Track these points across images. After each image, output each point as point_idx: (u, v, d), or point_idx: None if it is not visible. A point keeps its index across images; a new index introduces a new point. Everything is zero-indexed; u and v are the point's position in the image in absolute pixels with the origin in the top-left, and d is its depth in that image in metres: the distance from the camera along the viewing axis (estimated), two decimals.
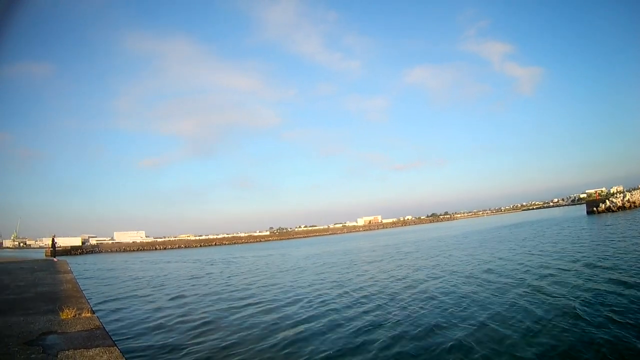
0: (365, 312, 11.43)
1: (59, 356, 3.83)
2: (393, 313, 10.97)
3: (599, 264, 15.52)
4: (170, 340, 9.73)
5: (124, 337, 10.04)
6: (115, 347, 4.15)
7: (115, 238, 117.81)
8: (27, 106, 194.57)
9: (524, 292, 11.97)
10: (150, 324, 11.73)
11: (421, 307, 11.33)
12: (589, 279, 12.78)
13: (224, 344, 9.21)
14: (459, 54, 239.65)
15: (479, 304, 11.10)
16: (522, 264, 17.76)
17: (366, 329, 9.69)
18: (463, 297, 12.16)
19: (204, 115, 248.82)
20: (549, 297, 10.98)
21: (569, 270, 14.79)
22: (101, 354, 3.91)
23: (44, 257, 30.76)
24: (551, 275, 14.25)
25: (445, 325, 9.39)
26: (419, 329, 9.23)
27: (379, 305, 12.17)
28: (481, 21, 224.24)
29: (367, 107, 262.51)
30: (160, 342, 9.56)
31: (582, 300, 10.27)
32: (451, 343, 8.08)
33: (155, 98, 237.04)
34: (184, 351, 8.80)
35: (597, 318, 8.72)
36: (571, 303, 10.08)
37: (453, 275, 16.60)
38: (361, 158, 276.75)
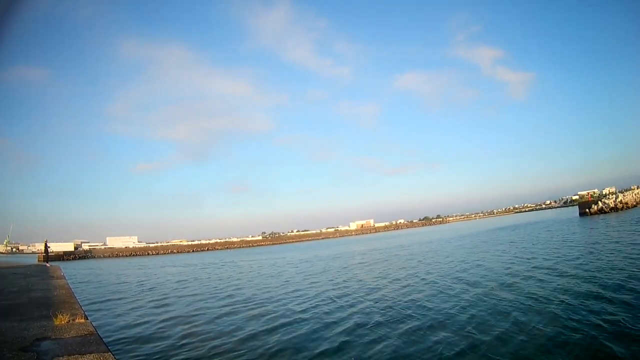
0: (347, 315, 11.64)
1: None
2: (380, 314, 11.09)
3: (590, 266, 15.77)
4: (159, 342, 9.75)
5: (115, 341, 10.04)
6: (109, 353, 4.20)
7: (107, 243, 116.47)
8: (22, 110, 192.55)
9: (514, 298, 12.18)
10: (138, 326, 11.85)
11: (406, 310, 11.47)
12: (574, 283, 12.96)
13: (208, 345, 9.40)
14: (450, 59, 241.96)
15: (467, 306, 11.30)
16: (508, 268, 18.02)
17: (347, 331, 9.81)
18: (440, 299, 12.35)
19: (198, 120, 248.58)
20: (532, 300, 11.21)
21: (552, 275, 15.01)
22: (95, 359, 3.96)
23: (37, 263, 30.33)
24: (535, 278, 14.46)
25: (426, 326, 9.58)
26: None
27: (363, 307, 12.29)
28: (472, 26, 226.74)
29: (359, 112, 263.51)
30: (150, 344, 9.58)
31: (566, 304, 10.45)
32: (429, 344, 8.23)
33: (150, 103, 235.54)
34: (173, 352, 8.91)
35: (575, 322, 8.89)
36: (553, 308, 10.20)
37: (427, 281, 16.71)
38: (353, 163, 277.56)
